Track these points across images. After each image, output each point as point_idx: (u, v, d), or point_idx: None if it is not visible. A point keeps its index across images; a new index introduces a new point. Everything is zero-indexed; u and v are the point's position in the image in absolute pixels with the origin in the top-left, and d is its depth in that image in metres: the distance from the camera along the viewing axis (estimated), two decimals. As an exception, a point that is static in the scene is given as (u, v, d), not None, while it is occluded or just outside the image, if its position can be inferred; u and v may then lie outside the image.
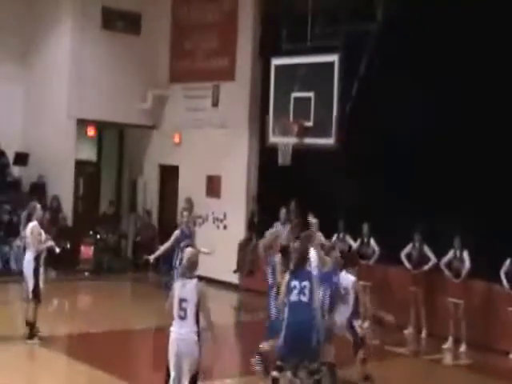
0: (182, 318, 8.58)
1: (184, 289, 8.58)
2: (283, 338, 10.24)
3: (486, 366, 13.61)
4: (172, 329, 8.65)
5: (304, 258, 10.54)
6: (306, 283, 10.21)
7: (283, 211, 16.95)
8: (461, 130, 15.34)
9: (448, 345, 14.76)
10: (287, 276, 10.41)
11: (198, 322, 8.60)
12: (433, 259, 15.38)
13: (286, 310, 10.28)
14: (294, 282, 10.22)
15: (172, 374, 8.70)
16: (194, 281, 8.62)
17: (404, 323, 15.68)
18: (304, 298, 10.18)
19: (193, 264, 8.74)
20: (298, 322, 10.13)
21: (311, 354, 10.33)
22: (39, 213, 13.44)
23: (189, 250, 9.13)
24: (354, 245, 16.71)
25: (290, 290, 10.22)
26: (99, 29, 22.02)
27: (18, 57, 22.52)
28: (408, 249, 15.67)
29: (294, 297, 10.19)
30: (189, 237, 14.44)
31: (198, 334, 8.59)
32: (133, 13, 22.52)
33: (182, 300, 8.57)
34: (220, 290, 18.31)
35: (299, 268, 10.37)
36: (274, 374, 10.53)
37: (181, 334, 8.57)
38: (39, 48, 22.50)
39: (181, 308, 8.58)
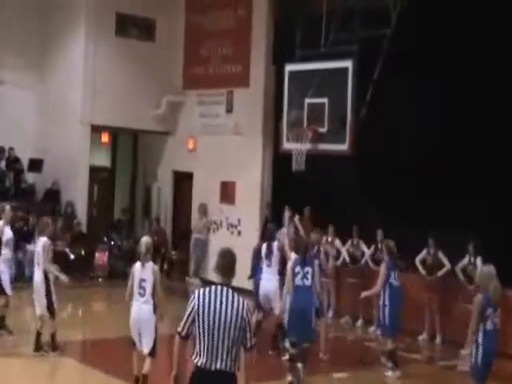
0: (142, 295, 10.39)
1: (144, 271, 10.38)
2: (289, 319, 11.64)
3: (501, 373, 13.49)
4: (133, 303, 10.43)
5: (306, 246, 12.18)
6: (308, 269, 11.66)
7: (287, 215, 16.61)
8: (478, 135, 15.30)
9: (465, 351, 14.66)
10: (292, 262, 11.75)
11: (153, 298, 10.38)
12: (447, 265, 15.33)
13: (292, 293, 11.63)
14: (298, 268, 11.62)
15: (134, 338, 10.50)
16: (151, 264, 10.47)
17: (418, 329, 15.64)
18: (307, 282, 11.61)
19: (148, 250, 10.46)
20: (301, 305, 11.50)
21: (311, 333, 11.69)
22: (51, 229, 13.33)
23: (145, 238, 10.76)
24: (368, 251, 16.68)
25: (294, 275, 11.57)
26: (113, 35, 22.12)
27: (33, 64, 22.63)
28: (423, 255, 15.63)
29: (298, 281, 11.58)
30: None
31: (154, 306, 10.41)
32: (147, 19, 22.61)
33: (141, 280, 10.38)
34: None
35: (302, 255, 11.77)
36: (292, 350, 11.58)
37: (140, 306, 10.38)
38: (54, 55, 22.60)
39: (140, 287, 10.38)
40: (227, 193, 20.88)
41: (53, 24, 22.50)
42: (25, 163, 22.27)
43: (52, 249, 13.10)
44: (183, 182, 22.61)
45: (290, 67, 17.93)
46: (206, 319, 6.63)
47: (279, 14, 20.01)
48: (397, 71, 16.30)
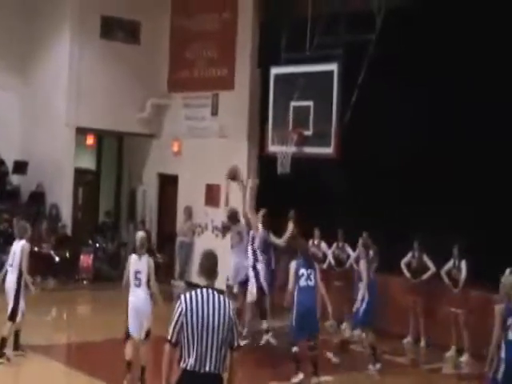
0: (137, 285, 11.29)
1: (139, 263, 11.25)
2: (295, 319, 12.36)
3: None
4: (130, 294, 11.28)
5: (307, 249, 13.36)
6: (311, 270, 12.48)
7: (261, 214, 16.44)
8: (463, 138, 15.35)
9: (450, 354, 14.73)
10: (294, 265, 12.50)
11: (148, 287, 11.33)
12: (432, 268, 15.38)
13: (296, 294, 12.36)
14: (302, 270, 12.41)
15: (131, 328, 11.31)
16: (146, 256, 11.38)
17: (403, 332, 15.69)
18: (311, 283, 12.39)
19: (143, 245, 11.43)
20: (307, 304, 12.28)
21: (316, 331, 12.52)
22: (29, 233, 13.24)
23: (140, 233, 11.93)
24: (353, 254, 16.71)
25: (298, 277, 12.37)
26: (98, 38, 22.09)
27: (18, 66, 22.59)
28: (408, 258, 15.67)
29: (303, 283, 12.36)
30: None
31: (150, 296, 11.38)
32: (132, 22, 22.59)
33: (137, 272, 11.26)
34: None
35: (305, 258, 12.61)
36: (295, 349, 12.36)
37: (137, 296, 11.26)
38: (38, 57, 22.54)
39: (136, 278, 11.25)
40: (212, 196, 20.87)
41: (38, 26, 22.45)
42: (9, 165, 22.21)
43: (29, 252, 12.94)
44: (168, 184, 22.59)
45: (275, 70, 17.90)
46: (194, 323, 6.64)
47: (265, 18, 20.05)
48: (382, 75, 16.34)
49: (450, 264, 14.95)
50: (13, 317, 12.61)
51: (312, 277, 12.46)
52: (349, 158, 16.53)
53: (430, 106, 15.99)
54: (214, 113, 21.06)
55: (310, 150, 17.07)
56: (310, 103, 16.96)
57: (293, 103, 17.29)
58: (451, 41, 15.53)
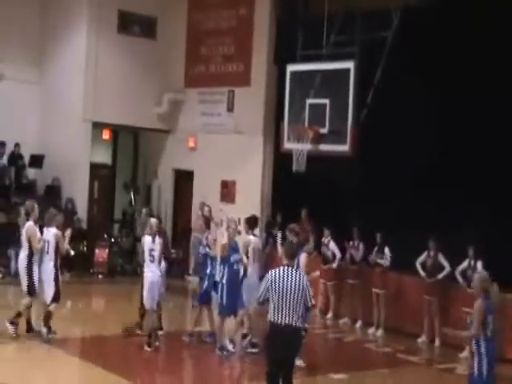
0: (152, 261, 13.30)
1: (153, 243, 13.24)
2: None
3: (500, 376, 13.53)
4: (145, 270, 13.41)
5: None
6: None
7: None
8: (479, 138, 15.37)
9: (464, 354, 14.69)
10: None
11: (160, 263, 13.42)
12: (447, 268, 15.34)
13: None
14: None
15: (147, 302, 13.34)
16: (157, 237, 13.34)
17: (418, 332, 15.68)
18: None
19: (156, 228, 13.47)
20: None
21: None
22: (58, 219, 13.63)
23: (153, 219, 13.80)
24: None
25: None
26: (115, 33, 22.19)
27: (35, 60, 22.69)
28: (423, 257, 15.62)
29: None
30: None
31: (161, 270, 13.48)
32: (149, 17, 22.67)
33: (151, 250, 13.28)
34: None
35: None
36: None
37: (152, 270, 13.30)
38: (55, 51, 22.62)
39: (151, 255, 13.29)
40: (227, 191, 20.92)
41: (55, 21, 22.53)
42: (26, 159, 22.33)
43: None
44: (183, 180, 22.64)
45: (291, 67, 17.94)
46: (277, 290, 9.11)
47: (281, 14, 20.06)
48: (398, 73, 16.36)
49: (464, 264, 14.91)
50: (56, 299, 13.32)
51: None
52: (364, 156, 16.56)
53: (446, 103, 15.98)
54: (230, 109, 21.09)
55: (325, 147, 17.10)
56: (326, 101, 17.00)
57: (309, 101, 17.33)
58: (468, 38, 15.48)
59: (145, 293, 13.44)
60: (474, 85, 15.38)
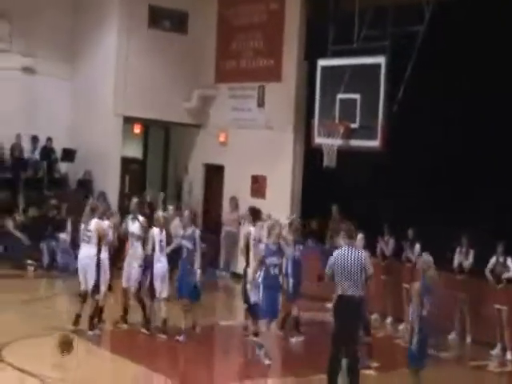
0: (161, 251, 13.85)
1: (162, 235, 13.84)
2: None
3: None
4: (157, 261, 13.82)
5: None
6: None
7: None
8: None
9: (496, 351, 14.63)
10: None
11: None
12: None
13: None
14: None
15: (164, 292, 13.87)
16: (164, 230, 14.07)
17: (448, 328, 15.62)
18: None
19: (166, 221, 14.53)
20: None
21: None
22: (101, 210, 14.08)
23: (160, 213, 14.72)
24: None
25: None
26: (146, 27, 22.26)
27: (67, 55, 22.86)
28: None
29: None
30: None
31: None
32: (180, 12, 22.71)
33: (161, 241, 13.83)
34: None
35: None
36: None
37: (163, 262, 13.89)
38: (87, 47, 22.77)
39: (160, 245, 13.86)
40: (258, 186, 20.94)
41: (86, 16, 22.67)
42: (58, 153, 22.52)
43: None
44: (214, 175, 22.70)
45: (322, 62, 17.92)
46: (340, 266, 10.55)
47: (312, 9, 19.99)
48: (430, 68, 16.28)
49: (493, 261, 14.80)
50: (111, 288, 14.04)
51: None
52: (395, 151, 16.48)
53: (478, 98, 15.85)
54: (260, 104, 21.09)
55: (356, 142, 17.07)
56: (357, 96, 16.97)
57: (339, 96, 17.31)
58: (500, 33, 15.38)
59: (157, 283, 13.88)
60: (507, 79, 15.26)
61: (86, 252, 13.72)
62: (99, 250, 13.68)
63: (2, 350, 12.08)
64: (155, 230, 13.96)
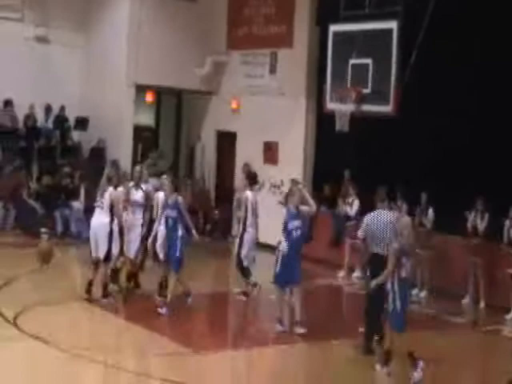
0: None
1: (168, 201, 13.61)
2: None
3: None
4: (161, 224, 13.68)
5: None
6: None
7: None
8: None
9: (510, 316, 14.62)
10: None
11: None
12: None
13: None
14: None
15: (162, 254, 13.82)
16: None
17: (462, 293, 15.63)
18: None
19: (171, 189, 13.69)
20: None
21: None
22: (115, 180, 13.94)
23: (165, 181, 13.84)
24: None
25: None
26: (158, -4, 22.15)
27: (78, 24, 22.81)
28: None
29: None
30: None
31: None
32: (191, -21, 22.56)
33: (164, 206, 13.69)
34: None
35: None
36: None
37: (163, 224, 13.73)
38: (98, 15, 22.73)
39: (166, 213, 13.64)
40: (270, 153, 20.93)
41: (98, -16, 22.60)
42: (71, 122, 22.56)
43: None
44: (226, 142, 22.68)
45: (333, 28, 17.83)
46: (372, 227, 11.42)
47: (323, -27, 19.83)
48: (442, 33, 16.15)
49: (506, 224, 14.77)
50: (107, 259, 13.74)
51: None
52: (407, 117, 16.41)
53: (491, 65, 15.74)
54: (273, 71, 21.01)
55: (368, 107, 17.02)
56: (369, 61, 16.91)
57: (351, 61, 17.25)
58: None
59: (159, 247, 13.91)
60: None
61: (99, 220, 13.73)
62: (112, 219, 13.65)
63: (17, 318, 12.17)
64: (160, 195, 14.07)
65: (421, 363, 10.23)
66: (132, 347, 12.07)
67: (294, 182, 13.81)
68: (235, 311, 15.06)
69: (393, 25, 16.44)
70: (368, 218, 11.59)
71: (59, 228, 19.92)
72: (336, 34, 17.72)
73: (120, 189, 13.99)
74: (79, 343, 11.32)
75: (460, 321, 14.50)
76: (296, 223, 12.54)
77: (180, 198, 13.69)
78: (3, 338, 11.29)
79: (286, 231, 12.51)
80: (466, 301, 15.67)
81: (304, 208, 12.70)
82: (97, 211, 13.89)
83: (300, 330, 12.46)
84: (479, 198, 15.19)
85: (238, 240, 14.91)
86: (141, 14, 21.81)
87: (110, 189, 13.76)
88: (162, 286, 13.86)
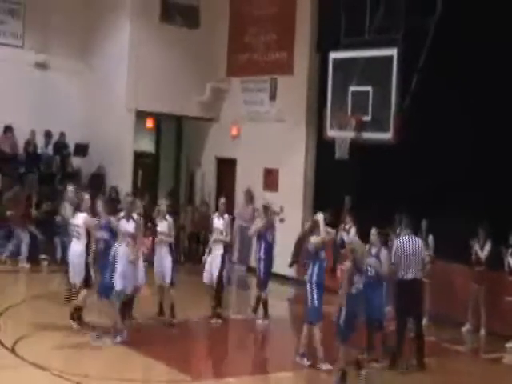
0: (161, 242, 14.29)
1: (163, 225, 14.36)
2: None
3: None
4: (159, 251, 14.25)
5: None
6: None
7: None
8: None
9: (511, 344, 14.53)
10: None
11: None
12: None
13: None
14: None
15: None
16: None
17: (462, 320, 15.54)
18: None
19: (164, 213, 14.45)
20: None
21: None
22: (88, 204, 13.43)
23: (162, 206, 14.52)
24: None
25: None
26: (158, 22, 22.24)
27: (78, 50, 22.87)
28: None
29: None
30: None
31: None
32: (191, 6, 22.68)
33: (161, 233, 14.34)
34: (277, 285, 18.19)
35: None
36: None
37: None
38: (99, 41, 22.78)
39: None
40: (270, 180, 20.93)
41: (98, 10, 22.63)
42: (71, 148, 22.56)
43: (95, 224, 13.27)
44: (226, 168, 22.69)
45: (334, 55, 17.87)
46: (402, 252, 12.16)
47: (323, 2, 19.92)
48: (442, 60, 16.20)
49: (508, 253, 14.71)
50: (87, 285, 13.31)
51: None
52: (408, 144, 16.42)
53: (492, 91, 15.77)
54: (273, 97, 21.09)
55: (368, 135, 17.02)
56: (369, 88, 16.92)
57: (352, 88, 17.27)
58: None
59: (157, 271, 14.24)
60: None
61: (75, 248, 13.23)
62: (87, 246, 13.09)
63: (16, 344, 12.10)
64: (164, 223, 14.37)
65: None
66: (132, 375, 11.97)
67: (265, 207, 15.13)
68: (236, 337, 15.01)
69: (393, 52, 16.47)
70: (399, 243, 12.29)
71: (59, 254, 19.85)
72: (336, 61, 17.75)
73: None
74: (77, 370, 11.25)
75: (460, 348, 14.40)
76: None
77: (113, 219, 12.99)
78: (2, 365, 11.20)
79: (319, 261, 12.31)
80: (466, 328, 15.57)
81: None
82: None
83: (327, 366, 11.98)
84: (481, 225, 15.15)
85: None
86: (140, 41, 21.86)
87: (82, 214, 13.19)
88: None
